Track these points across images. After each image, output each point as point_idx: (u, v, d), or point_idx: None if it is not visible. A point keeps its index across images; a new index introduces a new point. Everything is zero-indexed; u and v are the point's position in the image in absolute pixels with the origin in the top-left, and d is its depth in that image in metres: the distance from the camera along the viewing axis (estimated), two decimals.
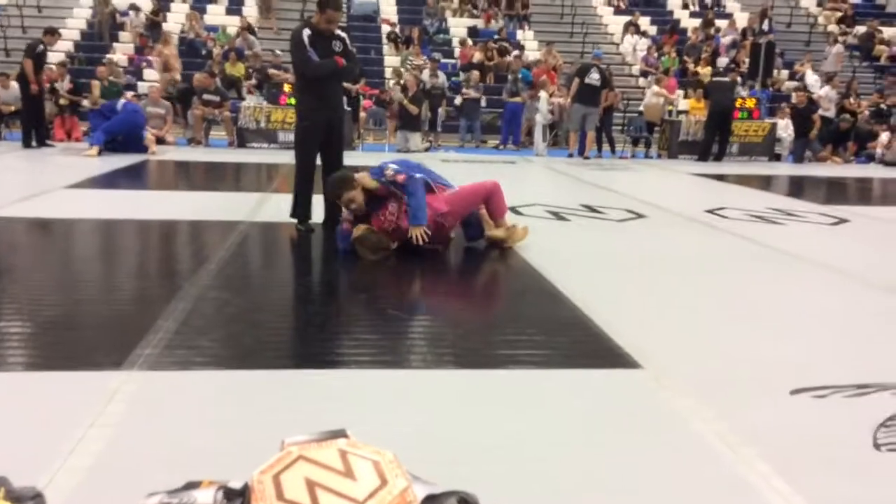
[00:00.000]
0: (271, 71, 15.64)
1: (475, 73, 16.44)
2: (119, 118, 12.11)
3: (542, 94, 14.62)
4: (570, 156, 14.11)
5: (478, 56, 18.62)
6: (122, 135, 12.01)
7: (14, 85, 13.17)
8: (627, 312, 4.05)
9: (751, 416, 2.73)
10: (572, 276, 4.79)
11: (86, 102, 13.92)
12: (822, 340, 3.75)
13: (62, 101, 14.19)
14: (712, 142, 14.37)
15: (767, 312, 4.20)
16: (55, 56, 16.40)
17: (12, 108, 13.52)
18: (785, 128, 15.32)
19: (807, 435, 2.60)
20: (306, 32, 5.87)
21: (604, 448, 2.48)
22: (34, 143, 12.45)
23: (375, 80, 17.74)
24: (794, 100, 15.81)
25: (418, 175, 5.18)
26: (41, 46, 12.34)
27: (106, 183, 8.96)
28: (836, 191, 11.19)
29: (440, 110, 15.51)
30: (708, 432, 2.60)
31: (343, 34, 6.14)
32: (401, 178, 5.08)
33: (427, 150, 14.70)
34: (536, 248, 5.49)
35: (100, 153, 11.58)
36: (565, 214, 7.31)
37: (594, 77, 13.69)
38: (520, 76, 16.10)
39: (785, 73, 20.24)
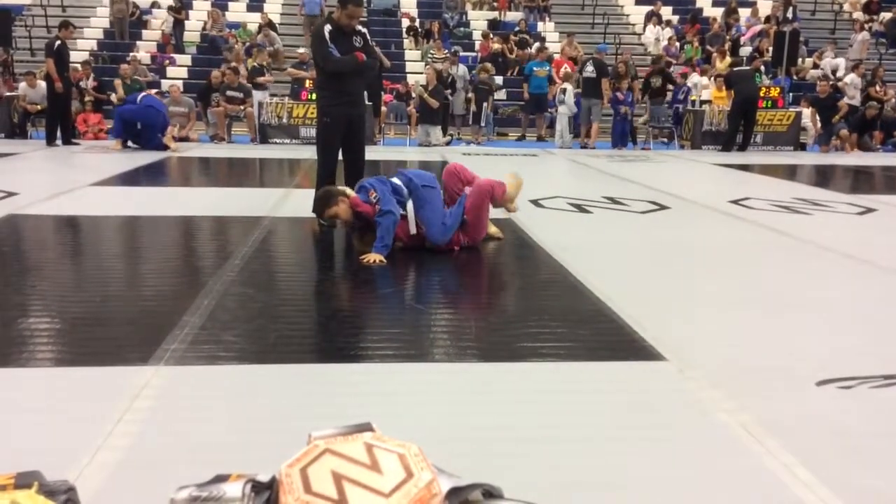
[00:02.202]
0: (291, 69, 15.64)
1: (487, 66, 16.34)
2: (134, 107, 12.26)
3: (568, 87, 14.56)
4: (591, 147, 14.13)
5: (496, 46, 18.55)
6: (139, 122, 12.16)
7: (41, 84, 13.34)
8: (651, 304, 4.03)
9: (776, 407, 2.72)
10: (595, 268, 4.77)
11: (113, 97, 14.14)
12: (848, 331, 3.72)
13: (87, 99, 14.35)
14: (736, 132, 14.26)
15: (793, 303, 4.17)
16: (79, 55, 16.58)
17: (38, 108, 13.69)
18: (810, 116, 15.15)
19: (832, 425, 2.59)
20: (327, 28, 5.89)
21: (628, 440, 2.47)
22: (59, 142, 12.59)
23: (396, 75, 17.74)
24: (817, 89, 15.60)
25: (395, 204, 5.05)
26: (58, 42, 12.46)
27: (131, 180, 9.05)
28: (862, 180, 11.06)
29: (485, 104, 15.40)
30: (732, 423, 2.59)
31: (363, 29, 6.15)
32: (377, 207, 4.99)
33: (448, 143, 14.69)
34: (559, 241, 5.48)
35: (124, 145, 11.97)
36: (588, 206, 7.28)
37: (588, 70, 14.36)
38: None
39: (809, 61, 20.00)
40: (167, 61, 18.38)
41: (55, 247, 5.65)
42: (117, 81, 14.71)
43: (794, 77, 18.42)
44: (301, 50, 16.61)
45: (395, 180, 5.24)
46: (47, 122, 12.86)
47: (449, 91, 14.97)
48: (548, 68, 16.14)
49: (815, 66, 19.45)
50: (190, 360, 3.10)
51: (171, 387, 2.84)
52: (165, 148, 12.03)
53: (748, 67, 15.08)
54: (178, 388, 2.84)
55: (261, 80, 14.78)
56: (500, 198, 5.46)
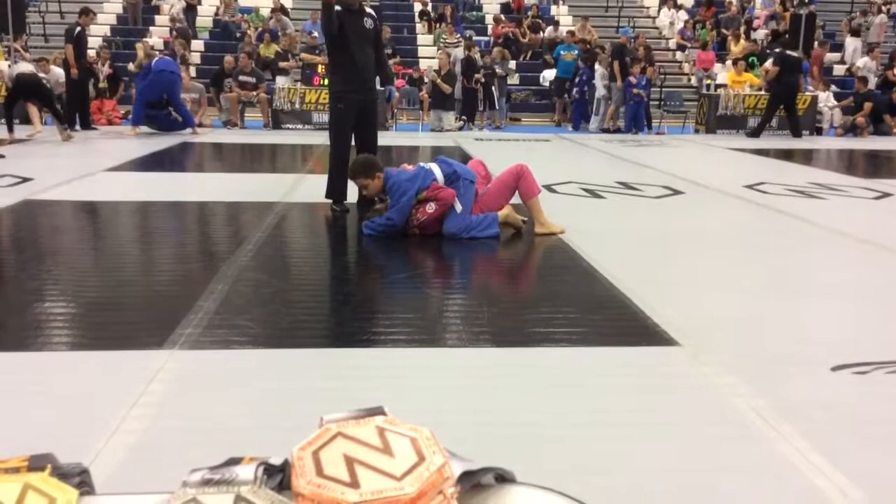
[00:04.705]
0: (304, 55, 15.61)
1: (496, 50, 16.19)
2: (148, 81, 12.29)
3: (599, 69, 14.49)
4: (612, 130, 14.38)
5: (506, 29, 18.45)
6: (165, 94, 12.27)
7: (55, 70, 13.34)
8: (664, 289, 4.02)
9: (790, 393, 2.71)
10: (608, 253, 4.76)
11: (131, 66, 14.27)
12: (863, 316, 3.69)
13: (101, 85, 14.37)
14: (770, 120, 14.00)
15: (808, 288, 4.14)
16: (93, 41, 16.60)
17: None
18: (826, 101, 14.98)
19: (847, 411, 2.57)
20: (336, 9, 5.87)
21: (641, 424, 2.47)
22: (78, 127, 12.62)
23: (409, 59, 17.69)
24: (855, 85, 15.32)
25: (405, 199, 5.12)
26: (78, 28, 12.51)
27: (145, 165, 9.08)
28: (879, 165, 10.96)
29: (493, 89, 15.30)
30: (746, 409, 2.58)
31: (373, 13, 6.16)
32: (403, 199, 5.09)
33: (460, 128, 14.64)
34: (572, 226, 5.46)
35: (138, 125, 12.28)
36: (601, 192, 7.25)
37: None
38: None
39: (826, 44, 19.75)
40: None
41: (70, 232, 5.68)
42: (138, 45, 14.74)
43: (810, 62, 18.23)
44: (314, 34, 16.57)
45: (436, 170, 5.25)
46: (66, 108, 12.88)
47: (479, 76, 14.89)
48: (576, 52, 15.92)
49: (833, 50, 19.21)
50: (204, 345, 3.11)
51: (185, 370, 2.85)
52: (194, 125, 12.34)
53: (796, 55, 14.21)
54: (192, 371, 2.86)
55: (284, 64, 14.77)
56: (528, 186, 5.42)
